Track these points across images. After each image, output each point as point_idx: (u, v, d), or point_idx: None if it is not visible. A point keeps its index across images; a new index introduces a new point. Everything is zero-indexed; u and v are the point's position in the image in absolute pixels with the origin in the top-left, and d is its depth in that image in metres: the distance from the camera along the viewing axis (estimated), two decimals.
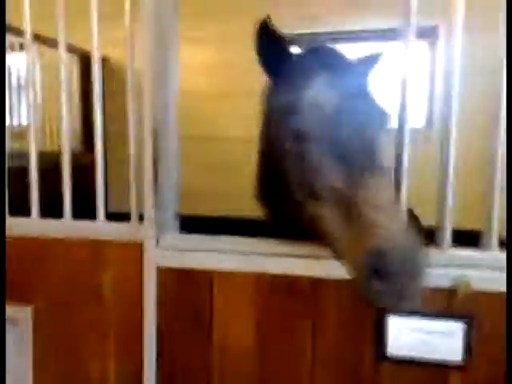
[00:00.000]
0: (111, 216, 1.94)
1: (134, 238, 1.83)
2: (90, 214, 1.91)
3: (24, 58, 2.04)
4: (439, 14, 1.70)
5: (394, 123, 1.66)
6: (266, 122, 1.68)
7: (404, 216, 1.29)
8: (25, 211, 1.96)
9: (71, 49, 4.37)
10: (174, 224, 1.88)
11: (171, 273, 1.80)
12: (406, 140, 1.62)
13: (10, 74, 4.35)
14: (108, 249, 1.86)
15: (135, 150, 1.87)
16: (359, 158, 1.33)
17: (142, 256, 1.81)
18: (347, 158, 1.33)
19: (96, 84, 1.91)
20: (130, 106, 1.85)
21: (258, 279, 1.72)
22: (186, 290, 1.80)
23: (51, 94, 3.44)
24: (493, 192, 1.60)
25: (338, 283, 1.65)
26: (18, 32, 2.01)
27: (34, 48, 4.30)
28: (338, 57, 1.62)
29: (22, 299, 1.95)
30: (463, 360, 1.58)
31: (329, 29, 4.66)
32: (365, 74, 1.63)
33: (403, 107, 1.62)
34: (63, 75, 1.94)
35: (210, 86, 4.83)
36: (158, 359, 1.83)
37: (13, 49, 4.18)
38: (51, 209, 2.00)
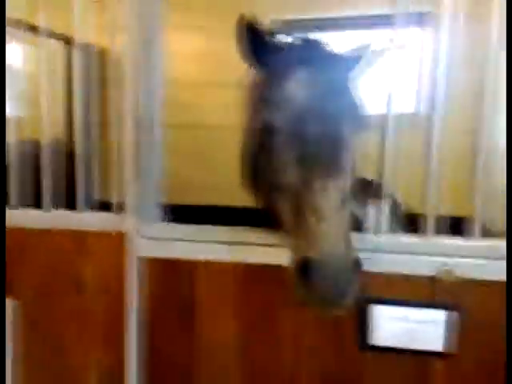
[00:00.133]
0: (98, 204, 1.92)
1: (117, 228, 1.81)
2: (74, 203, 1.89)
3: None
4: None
5: (380, 109, 1.64)
6: (247, 113, 1.67)
7: (347, 222, 1.30)
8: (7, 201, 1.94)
9: (56, 36, 4.31)
10: (157, 214, 1.86)
11: (154, 263, 1.79)
12: (391, 125, 1.62)
13: None
14: (90, 239, 1.84)
15: (117, 139, 1.84)
16: (319, 157, 1.32)
17: (124, 246, 1.79)
18: (308, 155, 1.33)
19: (76, 71, 1.87)
20: (112, 94, 1.82)
21: (241, 269, 1.71)
22: (169, 280, 1.79)
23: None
24: (474, 180, 1.59)
25: None
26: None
27: (18, 36, 4.26)
28: (320, 50, 1.58)
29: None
30: (446, 349, 1.58)
31: (322, 15, 4.62)
32: (348, 69, 1.59)
33: (390, 92, 1.61)
34: (43, 61, 1.90)
35: (199, 74, 4.80)
36: (140, 349, 1.82)
37: None
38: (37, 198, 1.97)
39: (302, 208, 1.29)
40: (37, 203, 1.93)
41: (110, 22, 1.81)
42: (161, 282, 1.80)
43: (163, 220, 1.86)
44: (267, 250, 1.67)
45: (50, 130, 1.94)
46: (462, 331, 1.58)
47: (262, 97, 1.48)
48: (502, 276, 1.52)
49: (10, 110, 1.99)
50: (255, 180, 1.53)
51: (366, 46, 1.64)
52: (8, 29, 1.95)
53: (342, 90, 1.45)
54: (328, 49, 1.62)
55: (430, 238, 1.62)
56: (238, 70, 1.68)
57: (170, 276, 1.78)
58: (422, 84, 4.54)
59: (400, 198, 3.13)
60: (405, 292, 1.60)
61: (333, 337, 1.69)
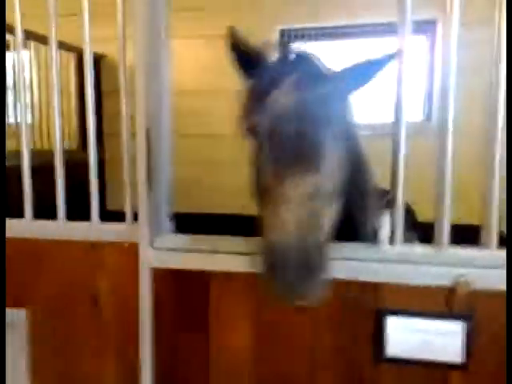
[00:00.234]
0: (110, 214, 1.92)
1: (129, 239, 1.81)
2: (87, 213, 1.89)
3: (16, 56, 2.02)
4: (437, 7, 1.68)
5: (390, 117, 1.65)
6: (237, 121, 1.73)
7: (317, 217, 1.34)
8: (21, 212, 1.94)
9: (68, 47, 4.36)
10: (169, 225, 1.86)
11: (167, 274, 1.78)
12: (403, 133, 1.61)
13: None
14: (103, 250, 1.85)
15: (129, 150, 1.84)
16: (290, 156, 1.39)
17: (137, 257, 1.78)
18: (281, 156, 1.40)
19: (88, 80, 1.88)
20: (123, 104, 1.83)
21: (254, 279, 1.70)
22: (182, 291, 1.78)
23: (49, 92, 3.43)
24: (492, 189, 1.57)
25: (336, 283, 1.63)
26: (12, 31, 1.98)
27: (29, 46, 4.32)
28: (304, 63, 1.62)
29: (17, 302, 1.93)
30: (463, 360, 1.56)
31: (326, 23, 4.64)
32: (335, 81, 1.61)
33: (399, 101, 1.60)
34: (54, 72, 1.91)
35: (200, 83, 4.84)
36: (154, 360, 1.82)
37: (8, 48, 4.14)
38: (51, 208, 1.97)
39: (273, 201, 1.35)
40: (48, 213, 1.93)
41: (119, 34, 1.83)
42: (174, 294, 1.79)
43: (176, 231, 1.86)
44: None
45: (61, 140, 1.94)
46: (480, 342, 1.56)
47: (246, 105, 1.59)
48: None
49: (22, 120, 1.99)
50: (253, 187, 1.58)
51: (391, 56, 1.63)
52: (19, 39, 1.96)
53: (318, 100, 1.49)
54: (314, 62, 1.66)
55: (446, 248, 1.60)
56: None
57: (183, 287, 1.78)
58: (432, 91, 4.55)
59: (413, 206, 3.13)
60: (421, 303, 1.58)
61: (348, 348, 1.67)
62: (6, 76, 4.24)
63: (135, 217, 1.83)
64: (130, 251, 1.80)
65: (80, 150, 4.63)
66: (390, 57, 1.58)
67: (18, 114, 2.04)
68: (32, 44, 4.34)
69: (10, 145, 3.82)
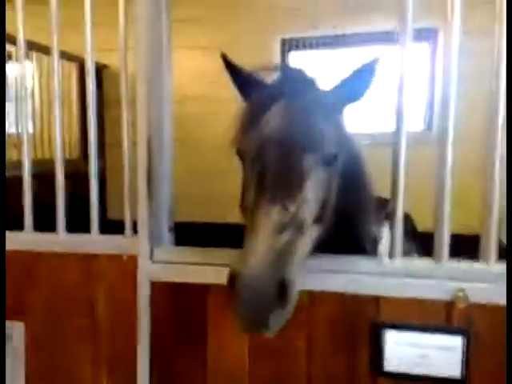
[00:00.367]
0: (111, 223, 1.92)
1: (128, 251, 1.81)
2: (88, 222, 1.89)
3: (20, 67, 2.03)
4: (439, 16, 1.68)
5: (391, 127, 1.66)
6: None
7: (285, 248, 1.31)
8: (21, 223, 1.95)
9: (70, 57, 4.39)
10: (169, 236, 1.86)
11: (165, 287, 1.78)
12: (403, 143, 1.61)
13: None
14: (101, 262, 1.85)
15: (129, 160, 1.85)
16: (271, 183, 1.39)
17: (136, 270, 1.78)
18: (263, 182, 1.40)
19: (90, 89, 1.89)
20: (124, 112, 1.83)
21: None
22: (181, 304, 1.78)
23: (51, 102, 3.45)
24: (491, 200, 1.56)
25: (334, 296, 1.63)
26: (15, 41, 2.00)
27: (31, 57, 4.34)
28: (298, 85, 1.61)
29: (15, 313, 1.93)
30: (462, 375, 1.55)
31: (327, 32, 4.66)
32: (328, 104, 1.61)
33: (400, 110, 1.60)
34: (56, 82, 1.92)
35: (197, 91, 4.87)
36: (151, 374, 1.81)
37: (11, 58, 4.17)
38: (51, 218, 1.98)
39: (248, 227, 1.36)
40: (47, 224, 1.93)
41: (120, 44, 1.84)
42: (172, 307, 1.79)
43: (175, 243, 1.86)
44: None
45: (62, 150, 1.95)
46: (478, 357, 1.55)
47: (237, 129, 1.61)
48: None
49: (24, 130, 2.00)
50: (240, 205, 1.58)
51: (374, 62, 1.63)
52: (22, 50, 1.98)
53: (308, 124, 1.49)
54: (309, 83, 1.67)
55: (445, 261, 1.60)
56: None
57: (181, 300, 1.77)
58: (433, 100, 4.55)
59: (413, 215, 3.13)
60: (420, 317, 1.58)
61: (346, 363, 1.66)
62: (9, 86, 4.28)
63: (135, 226, 1.82)
64: (129, 264, 1.79)
65: (81, 160, 4.64)
66: (373, 64, 1.58)
67: (19, 123, 2.04)
68: (34, 54, 4.37)
69: (12, 155, 3.85)
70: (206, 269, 1.72)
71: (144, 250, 1.77)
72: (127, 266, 1.80)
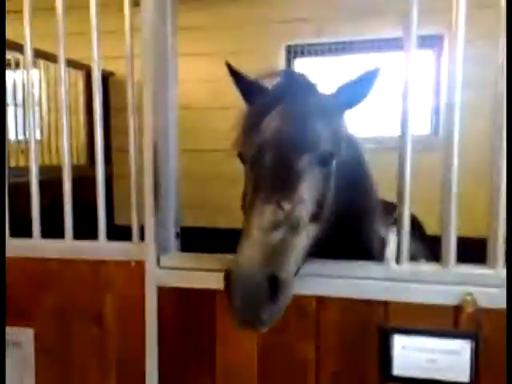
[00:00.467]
0: (118, 229, 1.93)
1: (136, 257, 1.81)
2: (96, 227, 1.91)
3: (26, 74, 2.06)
4: (443, 22, 1.69)
5: (397, 131, 1.66)
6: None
7: (278, 246, 1.32)
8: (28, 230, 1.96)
9: (76, 65, 4.42)
10: (176, 242, 1.86)
11: (173, 293, 1.78)
12: (409, 147, 1.61)
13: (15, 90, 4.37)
14: (109, 268, 1.85)
15: (136, 164, 1.86)
16: (266, 184, 1.42)
17: (144, 275, 1.79)
18: (260, 182, 1.44)
19: (96, 97, 1.90)
20: (130, 118, 1.85)
21: None
22: (189, 310, 1.78)
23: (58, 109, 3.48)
24: (498, 208, 1.56)
25: (341, 302, 1.63)
26: (22, 49, 2.02)
27: (39, 65, 4.38)
28: (298, 91, 1.64)
29: (23, 321, 1.94)
30: (470, 379, 1.54)
31: (332, 39, 4.67)
32: (329, 108, 1.63)
33: (405, 116, 1.61)
34: (63, 90, 1.94)
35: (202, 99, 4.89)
36: (160, 378, 1.81)
37: (18, 66, 4.22)
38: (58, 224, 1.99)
39: (244, 226, 1.38)
40: (53, 230, 1.94)
41: (127, 52, 1.86)
42: (180, 312, 1.79)
43: (182, 249, 1.87)
44: None
45: (69, 157, 1.96)
46: (487, 361, 1.54)
47: (238, 133, 1.65)
48: None
49: (31, 137, 2.01)
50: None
51: (375, 71, 1.65)
52: (29, 58, 1.99)
53: (304, 125, 1.53)
54: (309, 87, 1.68)
55: (453, 266, 1.59)
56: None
57: (189, 306, 1.78)
58: (439, 105, 4.55)
59: (421, 219, 3.12)
60: (428, 322, 1.57)
61: (354, 367, 1.66)
62: (16, 93, 4.32)
63: (142, 232, 1.83)
64: (137, 269, 1.80)
65: (88, 166, 4.67)
66: (375, 73, 1.60)
67: (27, 130, 2.06)
68: (41, 62, 4.40)
69: (21, 161, 3.87)
70: (212, 274, 1.72)
71: (151, 256, 1.78)
72: (135, 271, 1.81)
